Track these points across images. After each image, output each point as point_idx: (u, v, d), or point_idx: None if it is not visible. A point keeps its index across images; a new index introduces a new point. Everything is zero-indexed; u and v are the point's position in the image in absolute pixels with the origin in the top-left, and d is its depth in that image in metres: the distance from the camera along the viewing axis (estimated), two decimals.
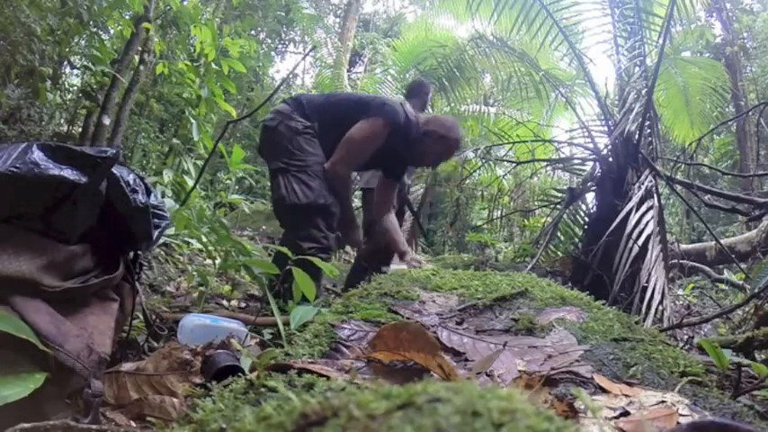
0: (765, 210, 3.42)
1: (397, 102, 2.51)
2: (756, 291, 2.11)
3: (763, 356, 1.75)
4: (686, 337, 2.49)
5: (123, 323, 1.32)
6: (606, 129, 3.90)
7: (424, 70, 6.53)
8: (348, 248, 6.16)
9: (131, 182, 1.23)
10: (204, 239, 2.34)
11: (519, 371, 0.75)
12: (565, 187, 5.03)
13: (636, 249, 2.82)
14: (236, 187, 8.48)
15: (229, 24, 5.63)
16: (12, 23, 3.73)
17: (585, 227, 3.94)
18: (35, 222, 1.09)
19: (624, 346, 0.90)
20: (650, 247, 2.88)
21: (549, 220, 4.45)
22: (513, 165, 6.15)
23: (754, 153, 8.05)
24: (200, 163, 5.50)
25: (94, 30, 4.47)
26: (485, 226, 8.02)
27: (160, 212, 1.32)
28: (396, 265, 2.50)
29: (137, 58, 4.74)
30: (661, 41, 3.38)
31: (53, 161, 1.08)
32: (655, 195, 3.09)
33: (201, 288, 2.13)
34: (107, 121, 4.38)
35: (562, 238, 4.20)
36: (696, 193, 3.73)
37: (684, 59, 5.83)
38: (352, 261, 3.84)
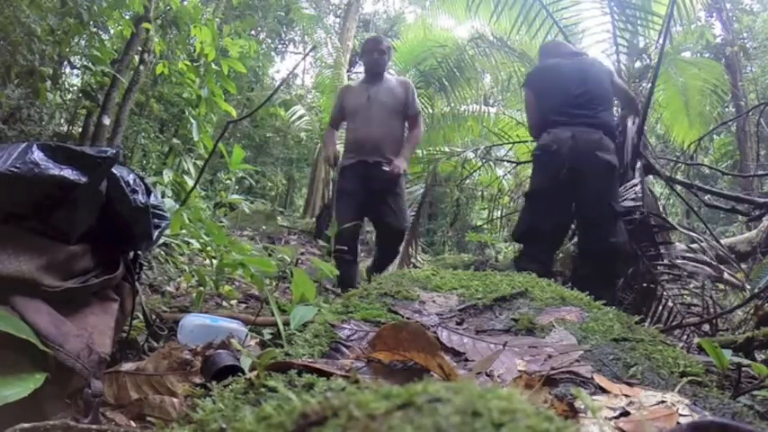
0: (765, 210, 3.42)
1: None
2: (756, 291, 2.11)
3: (763, 356, 1.75)
4: (686, 337, 2.49)
5: (123, 323, 1.32)
6: None
7: (424, 70, 6.52)
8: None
9: (131, 182, 1.23)
10: (203, 239, 2.35)
11: (519, 371, 0.75)
12: None
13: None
14: (236, 187, 8.48)
15: (229, 24, 5.63)
16: (12, 23, 3.73)
17: None
18: (35, 222, 1.09)
19: (624, 346, 0.89)
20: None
21: None
22: (513, 165, 6.15)
23: (754, 153, 8.05)
24: (200, 163, 5.50)
25: (94, 30, 4.47)
26: (485, 226, 8.01)
27: (160, 212, 1.32)
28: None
29: (137, 58, 4.74)
30: (661, 41, 3.38)
31: (53, 161, 1.07)
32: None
33: (201, 288, 2.13)
34: (107, 121, 4.38)
35: None
36: (696, 193, 3.73)
37: (684, 60, 5.83)
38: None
